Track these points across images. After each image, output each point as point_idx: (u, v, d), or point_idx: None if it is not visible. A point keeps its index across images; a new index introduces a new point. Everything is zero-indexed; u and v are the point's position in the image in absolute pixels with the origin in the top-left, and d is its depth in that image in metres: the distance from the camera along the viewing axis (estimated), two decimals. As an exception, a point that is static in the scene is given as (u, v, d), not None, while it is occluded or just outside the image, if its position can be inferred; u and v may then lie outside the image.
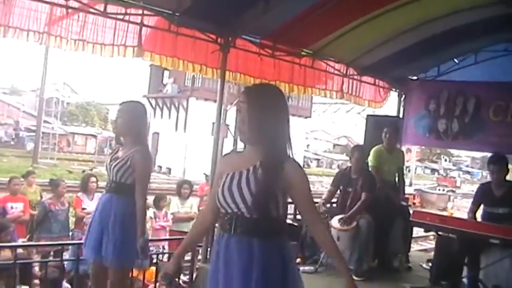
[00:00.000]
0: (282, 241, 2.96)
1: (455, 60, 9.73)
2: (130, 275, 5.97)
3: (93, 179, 9.39)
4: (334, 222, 6.88)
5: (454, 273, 6.36)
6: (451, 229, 6.26)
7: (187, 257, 7.84)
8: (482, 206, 6.97)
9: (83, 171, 31.41)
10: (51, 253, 7.85)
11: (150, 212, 10.07)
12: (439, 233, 6.64)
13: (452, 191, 44.02)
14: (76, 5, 5.73)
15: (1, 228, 7.68)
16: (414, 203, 27.12)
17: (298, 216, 6.81)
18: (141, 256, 4.77)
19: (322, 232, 3.05)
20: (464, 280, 6.46)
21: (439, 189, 43.12)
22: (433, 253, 7.39)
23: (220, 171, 3.07)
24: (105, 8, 5.88)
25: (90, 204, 8.79)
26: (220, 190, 2.95)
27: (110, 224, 4.67)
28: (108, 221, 4.68)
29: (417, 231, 8.45)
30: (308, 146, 62.59)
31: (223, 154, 3.31)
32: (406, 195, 9.46)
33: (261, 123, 2.83)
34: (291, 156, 2.93)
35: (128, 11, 6.11)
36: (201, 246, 7.44)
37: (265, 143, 2.85)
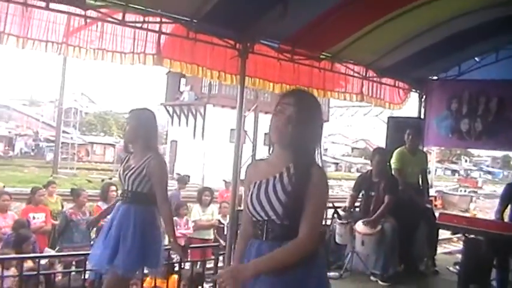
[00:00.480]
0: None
1: (476, 59, 9.62)
2: (153, 284, 5.96)
3: (113, 187, 9.36)
4: (359, 226, 6.82)
5: (483, 276, 6.26)
6: (479, 231, 6.17)
7: (210, 265, 7.83)
8: (510, 206, 6.87)
9: (102, 180, 31.58)
10: (73, 262, 7.85)
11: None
12: (467, 235, 6.54)
13: (474, 192, 43.66)
14: (94, 14, 5.73)
15: (22, 240, 7.69)
16: (436, 205, 26.87)
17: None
18: (159, 263, 4.78)
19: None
20: (494, 283, 6.37)
21: (461, 191, 42.70)
22: (458, 255, 7.29)
23: (249, 181, 3.02)
24: (123, 16, 5.89)
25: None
26: (249, 199, 2.93)
27: (129, 234, 4.60)
28: (128, 231, 4.62)
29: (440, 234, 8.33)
30: (326, 150, 62.43)
31: (250, 163, 3.22)
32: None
33: (306, 128, 2.81)
34: (317, 162, 2.89)
35: (146, 19, 6.12)
36: (224, 253, 7.41)
37: (297, 147, 2.82)
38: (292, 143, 2.82)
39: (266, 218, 2.84)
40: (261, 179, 2.92)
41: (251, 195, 2.92)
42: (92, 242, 8.94)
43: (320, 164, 2.90)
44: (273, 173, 2.88)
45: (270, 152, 3.03)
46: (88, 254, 6.25)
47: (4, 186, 11.53)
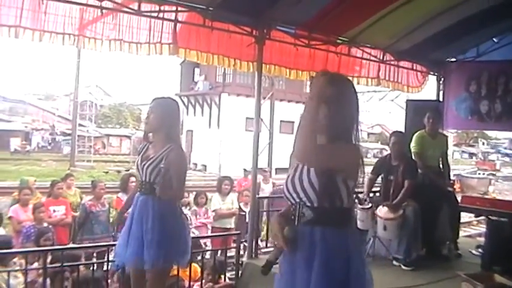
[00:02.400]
0: (346, 231, 2.89)
1: (494, 39, 9.49)
2: (174, 274, 5.94)
3: (133, 178, 9.36)
4: (380, 211, 6.78)
5: (507, 257, 6.19)
6: (503, 213, 6.11)
7: (231, 253, 7.83)
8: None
9: (118, 171, 31.74)
10: (94, 254, 7.89)
11: (190, 210, 10.06)
12: (490, 217, 6.49)
13: (493, 175, 43.24)
14: (110, 5, 5.73)
15: (40, 235, 7.74)
16: (455, 189, 26.73)
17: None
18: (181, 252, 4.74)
19: None
20: (518, 264, 6.31)
21: (479, 173, 42.32)
22: (479, 238, 7.22)
23: (292, 166, 3.05)
24: (139, 6, 5.89)
25: (131, 204, 8.83)
26: (285, 182, 2.97)
27: (149, 228, 4.54)
28: (148, 224, 4.56)
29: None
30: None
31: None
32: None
33: (338, 109, 2.82)
34: (352, 140, 2.91)
35: (162, 8, 6.10)
36: (245, 241, 7.41)
37: (331, 129, 2.84)
38: (325, 126, 2.82)
39: (298, 201, 2.86)
40: (299, 163, 2.95)
41: (288, 178, 2.96)
42: (113, 234, 9.05)
43: (355, 143, 2.91)
44: None
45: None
46: (109, 245, 6.32)
47: (35, 181, 11.56)
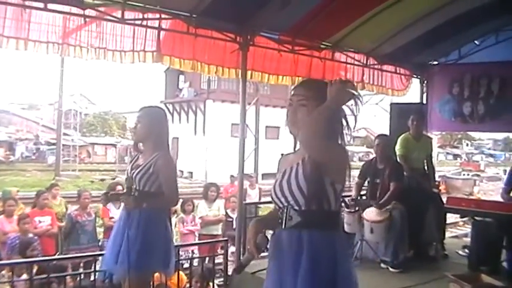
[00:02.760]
0: (334, 234, 2.89)
1: (476, 42, 9.62)
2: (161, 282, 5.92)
3: (119, 187, 9.34)
4: (367, 214, 6.79)
5: (493, 257, 6.25)
6: (488, 213, 6.16)
7: (219, 260, 7.83)
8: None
9: (102, 179, 31.64)
10: (81, 264, 7.86)
11: (177, 217, 10.05)
12: (475, 217, 6.53)
13: (477, 175, 43.62)
14: (93, 13, 5.72)
15: (26, 245, 7.70)
16: (440, 190, 26.90)
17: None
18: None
19: None
20: (504, 264, 6.36)
21: (464, 174, 42.67)
22: (465, 239, 7.26)
23: (279, 171, 3.06)
24: (122, 14, 5.88)
25: (117, 213, 8.78)
26: (273, 186, 2.97)
27: (132, 235, 4.48)
28: (131, 231, 4.48)
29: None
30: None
31: (282, 155, 3.21)
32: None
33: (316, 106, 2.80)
34: (339, 141, 2.91)
35: (146, 16, 6.10)
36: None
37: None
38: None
39: (286, 204, 2.87)
40: (286, 167, 2.96)
41: (275, 182, 2.97)
42: (99, 243, 9.02)
43: (341, 144, 2.92)
44: (296, 161, 2.91)
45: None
46: (96, 254, 6.30)
47: (18, 191, 11.52)
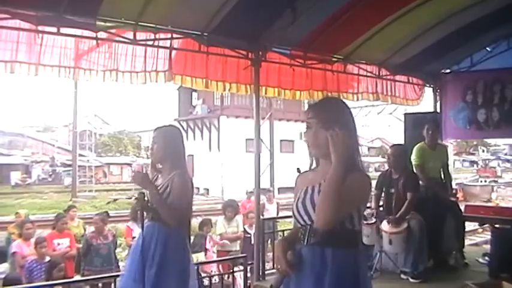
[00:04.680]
0: (356, 252, 2.90)
1: (488, 48, 9.59)
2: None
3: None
4: (384, 226, 6.77)
5: (514, 264, 6.20)
6: (507, 220, 6.13)
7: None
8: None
9: (115, 199, 31.51)
10: (100, 285, 7.86)
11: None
12: (495, 225, 6.49)
13: (495, 181, 43.39)
14: (105, 35, 5.77)
15: (53, 266, 7.74)
16: (457, 198, 26.71)
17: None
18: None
19: None
20: (525, 271, 6.31)
21: (481, 181, 42.40)
22: (485, 246, 7.20)
23: (297, 189, 3.07)
24: (134, 35, 5.93)
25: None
26: (295, 204, 2.98)
27: (150, 254, 4.51)
28: (149, 249, 4.53)
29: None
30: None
31: (299, 174, 3.19)
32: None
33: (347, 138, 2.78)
34: (359, 166, 2.92)
35: (157, 36, 6.15)
36: (252, 263, 7.39)
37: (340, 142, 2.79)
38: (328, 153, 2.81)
39: (309, 223, 2.87)
40: (307, 186, 2.98)
41: (297, 200, 2.98)
42: (118, 264, 9.01)
43: (361, 169, 2.93)
44: (319, 180, 2.91)
45: (313, 163, 3.08)
46: (113, 276, 6.31)
47: (28, 215, 11.60)
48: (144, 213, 4.63)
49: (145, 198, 4.62)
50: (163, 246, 4.55)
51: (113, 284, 6.01)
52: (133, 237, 8.94)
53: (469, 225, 10.33)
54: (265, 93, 7.66)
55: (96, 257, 8.87)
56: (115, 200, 26.17)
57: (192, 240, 7.98)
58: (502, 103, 9.41)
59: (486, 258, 7.25)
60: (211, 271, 8.82)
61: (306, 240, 2.88)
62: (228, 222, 10.52)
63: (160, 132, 4.86)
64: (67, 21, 5.40)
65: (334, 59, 8.17)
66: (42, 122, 75.20)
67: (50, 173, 55.15)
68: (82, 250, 9.19)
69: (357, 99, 9.10)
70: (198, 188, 37.34)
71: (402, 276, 6.75)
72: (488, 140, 71.03)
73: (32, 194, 39.98)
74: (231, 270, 7.50)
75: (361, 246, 3.02)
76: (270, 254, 8.40)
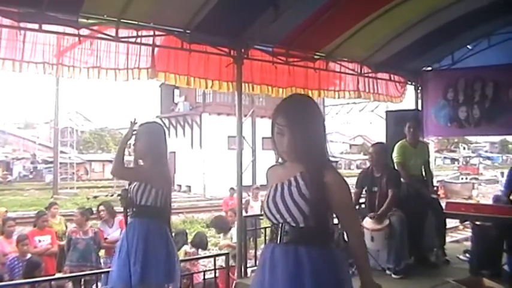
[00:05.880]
0: (331, 249, 2.89)
1: (469, 46, 9.65)
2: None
3: (101, 207, 9.35)
4: (366, 223, 6.79)
5: (494, 261, 6.28)
6: (488, 217, 6.17)
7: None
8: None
9: (95, 197, 31.51)
10: (82, 282, 7.76)
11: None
12: (476, 222, 6.54)
13: (475, 179, 43.77)
14: (87, 32, 5.74)
15: (35, 266, 7.69)
16: (439, 195, 26.93)
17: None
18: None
19: (356, 237, 3.02)
20: (505, 267, 6.38)
21: (462, 178, 42.71)
22: (466, 243, 7.26)
23: (269, 185, 3.05)
24: (116, 32, 5.91)
25: (111, 232, 8.78)
26: (266, 202, 2.96)
27: (133, 249, 4.56)
28: (132, 246, 4.57)
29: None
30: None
31: (269, 167, 3.18)
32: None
33: (301, 140, 2.80)
34: (328, 161, 2.91)
35: (140, 33, 6.12)
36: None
37: (306, 154, 2.82)
38: (297, 155, 2.84)
39: (281, 221, 2.85)
40: (277, 182, 2.95)
41: (268, 198, 2.95)
42: (102, 260, 8.95)
43: (332, 165, 2.92)
44: (288, 177, 2.90)
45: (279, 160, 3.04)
46: (97, 272, 6.30)
47: (7, 211, 11.47)
48: (128, 210, 4.65)
49: (129, 195, 4.66)
50: (144, 242, 4.60)
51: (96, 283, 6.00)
52: (105, 239, 8.93)
53: (450, 222, 10.41)
54: (251, 90, 7.66)
55: (73, 251, 8.69)
56: (95, 197, 26.14)
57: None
58: (483, 101, 9.48)
59: (467, 255, 7.30)
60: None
61: (278, 239, 2.86)
62: (224, 236, 10.39)
63: (144, 128, 4.88)
64: (49, 18, 5.38)
65: (316, 57, 8.18)
66: (23, 118, 74.69)
67: (31, 170, 54.74)
68: (66, 246, 9.09)
69: (339, 97, 9.13)
70: (180, 186, 37.37)
71: (387, 271, 6.76)
72: (469, 138, 71.67)
73: (13, 191, 39.75)
74: (213, 268, 7.48)
75: (341, 244, 3.02)
76: (252, 251, 8.41)
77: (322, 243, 2.83)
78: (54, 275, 8.36)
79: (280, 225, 2.85)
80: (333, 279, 2.80)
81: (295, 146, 2.81)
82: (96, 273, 6.71)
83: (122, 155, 4.81)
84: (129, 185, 4.82)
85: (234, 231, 10.62)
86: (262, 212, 3.06)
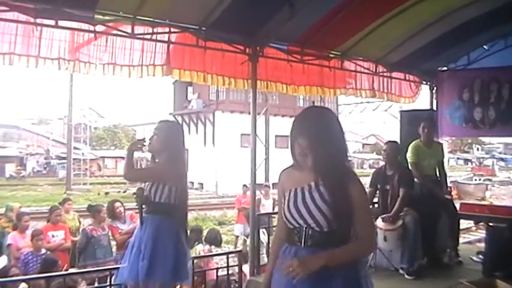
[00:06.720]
0: None
1: (485, 46, 9.59)
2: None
3: (117, 204, 9.35)
4: (379, 222, 6.77)
5: (508, 262, 6.20)
6: (502, 218, 6.14)
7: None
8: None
9: (106, 193, 31.66)
10: (97, 279, 7.84)
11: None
12: (490, 223, 6.50)
13: (489, 180, 43.45)
14: (103, 28, 5.76)
15: (52, 264, 7.71)
16: (452, 196, 26.79)
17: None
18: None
19: (366, 237, 2.96)
20: (519, 269, 6.32)
21: (475, 179, 42.46)
22: (478, 244, 7.21)
23: (283, 188, 3.05)
24: (132, 29, 5.93)
25: (124, 227, 8.82)
26: (286, 207, 2.94)
27: (143, 245, 4.61)
28: (142, 242, 4.63)
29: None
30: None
31: (283, 170, 3.18)
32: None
33: (325, 159, 2.82)
34: (348, 168, 2.93)
35: (155, 30, 6.14)
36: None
37: (329, 168, 2.84)
38: (316, 163, 2.84)
39: (305, 226, 2.86)
40: (296, 187, 2.94)
41: (287, 203, 2.94)
42: (113, 257, 8.99)
43: (352, 171, 2.94)
44: (307, 181, 2.91)
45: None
46: (111, 268, 6.31)
47: (20, 207, 11.53)
48: (143, 207, 4.69)
49: (144, 193, 4.70)
50: (153, 239, 4.63)
51: (109, 278, 6.02)
52: (120, 232, 8.94)
53: (463, 223, 10.34)
54: (266, 88, 7.67)
55: (98, 248, 8.74)
56: (106, 193, 26.25)
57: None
58: (499, 102, 9.42)
59: (480, 256, 7.26)
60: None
61: (302, 242, 2.87)
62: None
63: (162, 125, 4.98)
64: (65, 14, 5.40)
65: (331, 55, 8.17)
66: (37, 114, 75.20)
67: (45, 166, 55.06)
68: (80, 245, 9.09)
69: (355, 96, 9.14)
70: (192, 183, 37.37)
71: (400, 271, 6.73)
72: (483, 139, 71.17)
73: (26, 186, 40.02)
74: (226, 266, 7.48)
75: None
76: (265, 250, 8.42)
77: (344, 244, 2.84)
78: (67, 270, 8.41)
79: (304, 228, 2.87)
80: (358, 278, 2.86)
81: (320, 164, 2.83)
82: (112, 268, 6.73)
83: (130, 160, 4.84)
84: (144, 182, 4.87)
85: (237, 227, 10.63)
86: (281, 216, 3.05)
